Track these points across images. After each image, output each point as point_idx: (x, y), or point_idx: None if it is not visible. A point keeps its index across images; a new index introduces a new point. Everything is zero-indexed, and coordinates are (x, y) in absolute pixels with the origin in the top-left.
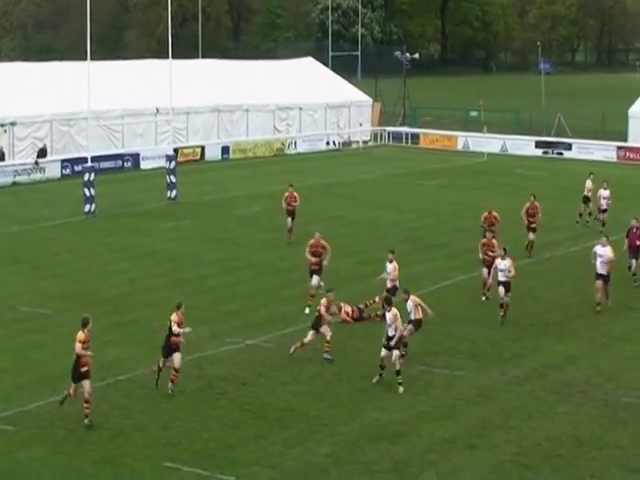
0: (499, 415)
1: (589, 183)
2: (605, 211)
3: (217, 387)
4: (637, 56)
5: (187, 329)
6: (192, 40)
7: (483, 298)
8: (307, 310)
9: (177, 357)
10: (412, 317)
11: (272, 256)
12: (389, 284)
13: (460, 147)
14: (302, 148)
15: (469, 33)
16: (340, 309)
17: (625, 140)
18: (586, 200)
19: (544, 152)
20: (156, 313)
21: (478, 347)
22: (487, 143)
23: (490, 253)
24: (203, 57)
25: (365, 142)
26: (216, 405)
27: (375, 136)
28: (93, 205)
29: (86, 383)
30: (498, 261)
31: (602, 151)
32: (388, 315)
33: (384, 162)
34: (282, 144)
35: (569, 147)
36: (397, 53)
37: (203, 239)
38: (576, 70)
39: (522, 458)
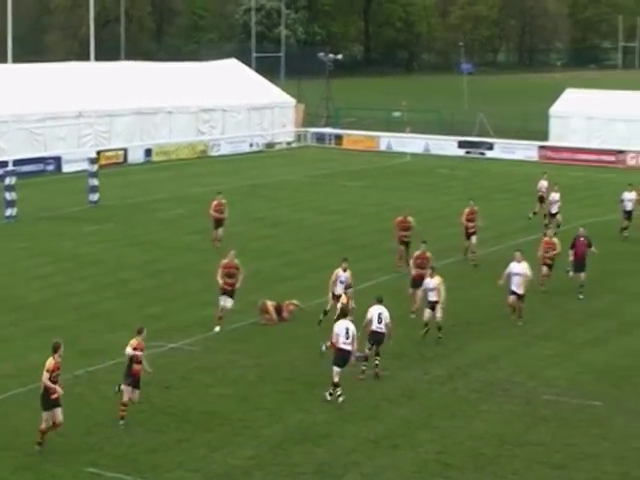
0: (422, 415)
1: (543, 182)
2: (556, 214)
3: (140, 391)
4: (558, 56)
5: (149, 369)
6: (115, 42)
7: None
8: (217, 329)
9: (136, 393)
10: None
11: (195, 259)
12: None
13: (383, 148)
14: (225, 150)
15: (392, 34)
16: (266, 309)
17: (546, 139)
18: (541, 199)
19: (467, 152)
20: (79, 317)
21: (401, 347)
22: (410, 143)
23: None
24: (126, 59)
25: (289, 143)
26: (139, 409)
27: (299, 137)
28: (14, 209)
29: (58, 411)
30: (427, 280)
31: (524, 150)
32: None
33: (308, 163)
34: (205, 146)
35: (491, 147)
36: (320, 54)
37: (126, 242)
38: (498, 70)
39: (445, 457)
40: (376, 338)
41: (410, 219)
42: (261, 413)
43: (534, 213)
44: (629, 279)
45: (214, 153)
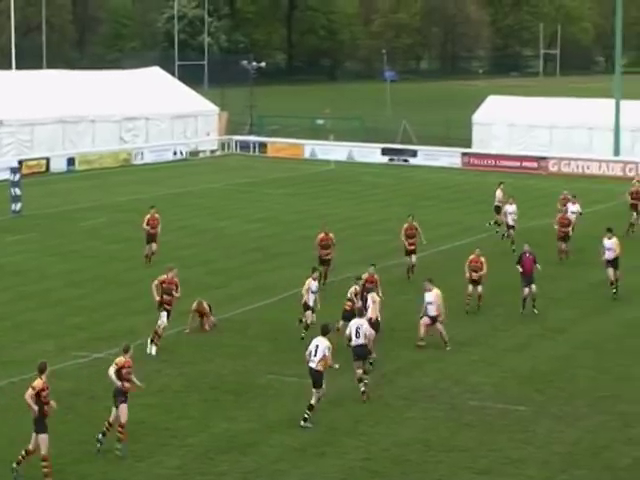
0: (348, 422)
1: (499, 193)
2: (513, 227)
3: (65, 402)
4: (480, 63)
5: (140, 384)
6: (36, 51)
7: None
8: (154, 350)
9: (123, 409)
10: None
11: (119, 268)
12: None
13: (307, 155)
14: (149, 159)
15: (315, 42)
16: (202, 310)
17: (469, 146)
18: (498, 210)
19: (390, 159)
20: (2, 328)
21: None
22: (334, 151)
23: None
24: (48, 68)
25: (212, 152)
26: (64, 420)
27: (222, 145)
28: None
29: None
30: (426, 295)
31: (447, 157)
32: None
33: (231, 171)
34: (129, 155)
35: (414, 154)
36: (244, 62)
37: (49, 252)
38: (421, 78)
39: (371, 464)
40: (359, 353)
41: (331, 235)
42: (187, 422)
43: (495, 222)
44: (551, 284)
45: (138, 162)
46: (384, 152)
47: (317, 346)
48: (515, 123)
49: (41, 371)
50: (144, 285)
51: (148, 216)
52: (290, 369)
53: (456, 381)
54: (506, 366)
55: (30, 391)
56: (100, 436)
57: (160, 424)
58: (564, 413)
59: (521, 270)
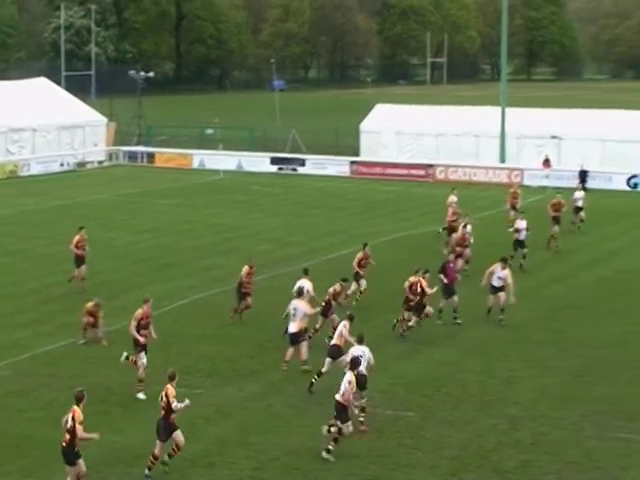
0: (237, 432)
1: (453, 197)
2: (522, 243)
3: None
4: (368, 72)
5: (186, 402)
6: None
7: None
8: (142, 395)
9: (178, 435)
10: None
11: (4, 281)
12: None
13: (196, 165)
14: (36, 170)
15: (204, 51)
16: (92, 313)
17: (357, 155)
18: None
19: (279, 168)
20: None
21: (216, 365)
22: (223, 161)
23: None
24: None
25: (100, 162)
26: None
27: (110, 156)
28: None
29: (80, 462)
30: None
31: (336, 166)
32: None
33: (119, 182)
34: (15, 166)
35: (303, 163)
36: (132, 72)
37: None
38: (310, 87)
39: (261, 473)
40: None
41: (253, 269)
42: None
43: (444, 228)
44: None
45: (24, 173)
46: (273, 161)
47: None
48: (403, 131)
49: (79, 400)
50: (31, 298)
51: (77, 237)
52: (180, 379)
53: None
54: (395, 372)
55: (79, 427)
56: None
57: (48, 438)
58: (453, 418)
59: (445, 281)
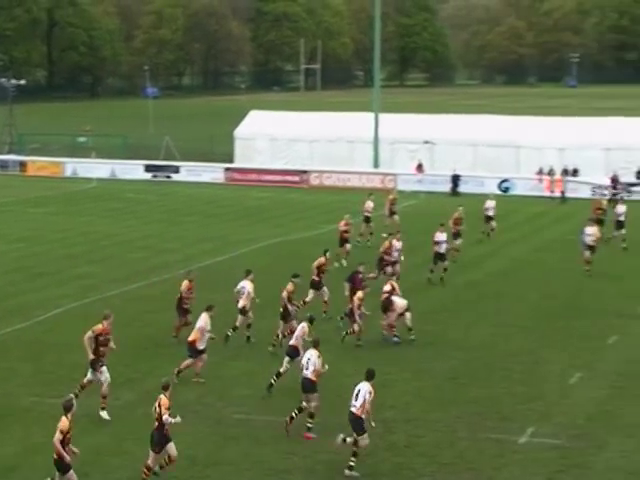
0: (113, 441)
1: (369, 203)
2: (395, 263)
3: None
4: (242, 79)
5: (177, 418)
6: None
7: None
8: (106, 415)
9: (172, 447)
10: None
11: None
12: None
13: (69, 173)
14: None
15: (76, 58)
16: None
17: (232, 161)
18: (367, 220)
19: (153, 175)
20: None
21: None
22: (96, 169)
23: None
24: None
25: None
26: None
27: None
28: None
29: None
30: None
31: (210, 173)
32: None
33: None
34: None
35: (177, 170)
36: (2, 80)
37: None
38: (184, 94)
39: None
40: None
41: (192, 284)
42: None
43: (360, 234)
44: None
45: None
46: (147, 169)
47: (359, 390)
48: (277, 137)
49: (67, 409)
50: None
51: None
52: (54, 390)
53: (220, 395)
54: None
55: (59, 435)
56: None
57: None
58: (329, 422)
59: (348, 290)
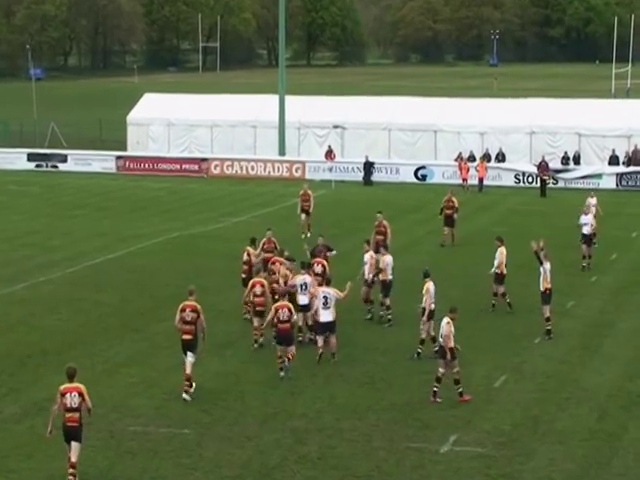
0: None
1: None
2: (590, 238)
3: None
4: (135, 58)
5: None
6: None
7: None
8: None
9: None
10: None
11: None
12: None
13: None
14: None
15: None
16: None
17: (124, 149)
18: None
19: (37, 165)
20: None
21: None
22: None
23: None
24: None
25: None
26: None
27: None
28: None
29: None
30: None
31: (101, 162)
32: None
33: None
34: None
35: (65, 159)
36: None
37: None
38: (70, 75)
39: None
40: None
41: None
42: None
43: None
44: (216, 297)
45: None
46: (30, 158)
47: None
48: (174, 122)
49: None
50: None
51: None
52: None
53: (114, 406)
54: (169, 387)
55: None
56: None
57: None
58: (233, 433)
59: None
